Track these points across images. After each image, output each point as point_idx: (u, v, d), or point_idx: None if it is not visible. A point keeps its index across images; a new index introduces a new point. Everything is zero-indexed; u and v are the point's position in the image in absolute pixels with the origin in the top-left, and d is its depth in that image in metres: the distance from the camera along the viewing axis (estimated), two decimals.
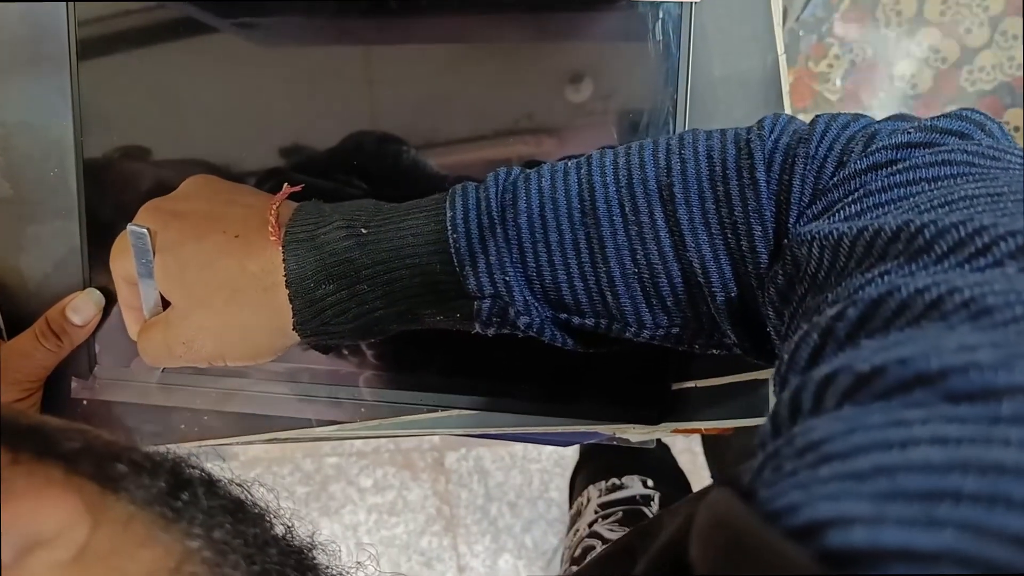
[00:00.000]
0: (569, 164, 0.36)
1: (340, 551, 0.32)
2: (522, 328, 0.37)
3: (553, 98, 0.44)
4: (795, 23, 0.91)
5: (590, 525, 0.76)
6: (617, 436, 0.47)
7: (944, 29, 0.87)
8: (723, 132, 0.34)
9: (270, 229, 0.37)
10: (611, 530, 0.73)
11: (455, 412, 0.47)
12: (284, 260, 0.36)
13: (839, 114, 0.33)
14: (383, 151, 0.46)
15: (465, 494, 1.41)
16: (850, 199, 0.29)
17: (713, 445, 0.98)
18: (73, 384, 0.51)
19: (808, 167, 0.31)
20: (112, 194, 0.49)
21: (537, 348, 0.39)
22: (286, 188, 0.40)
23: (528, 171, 0.37)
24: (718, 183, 0.32)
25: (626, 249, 0.34)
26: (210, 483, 0.28)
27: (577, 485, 0.88)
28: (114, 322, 0.50)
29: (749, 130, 0.33)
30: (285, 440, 0.50)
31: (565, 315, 0.36)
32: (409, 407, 0.48)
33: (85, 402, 0.51)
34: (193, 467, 0.29)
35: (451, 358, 0.47)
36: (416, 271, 0.35)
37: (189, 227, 0.39)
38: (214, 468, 0.29)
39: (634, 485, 0.80)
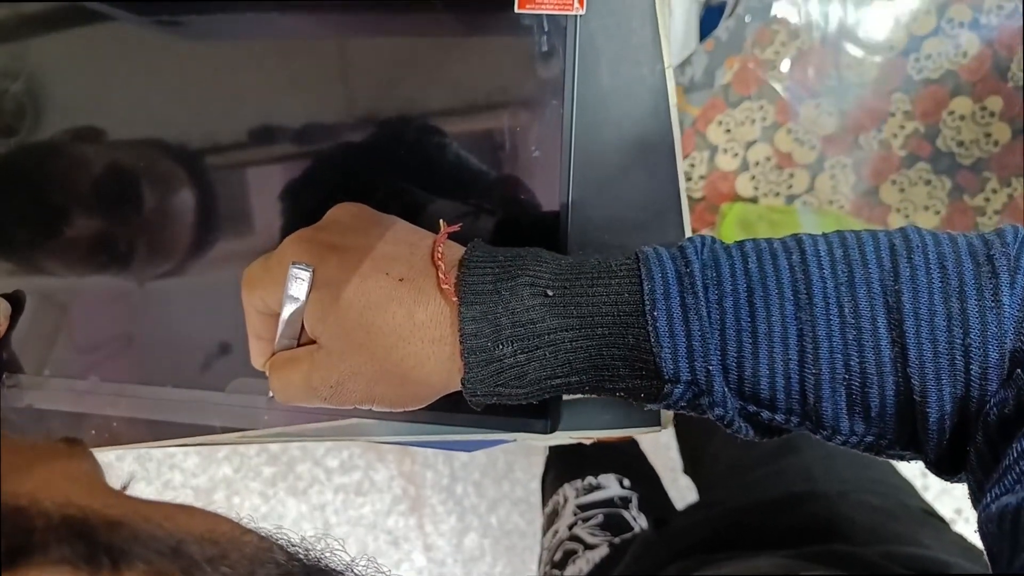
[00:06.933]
0: (774, 245, 0.33)
1: None
2: (712, 418, 0.34)
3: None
4: (741, 9, 0.89)
5: (570, 527, 0.75)
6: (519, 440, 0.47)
7: (891, 16, 0.86)
8: (952, 239, 0.31)
9: (440, 276, 0.35)
10: (592, 534, 0.72)
11: (354, 420, 0.47)
12: (460, 314, 0.33)
13: None
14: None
15: (431, 474, 1.42)
16: None
17: (688, 445, 0.96)
18: None
19: None
20: (13, 194, 0.49)
21: None
22: (445, 227, 0.37)
23: (725, 244, 0.34)
24: (952, 299, 0.30)
25: (840, 353, 0.31)
26: None
27: (550, 483, 0.86)
28: (22, 327, 0.50)
29: (987, 242, 0.31)
30: (193, 444, 0.50)
31: (754, 408, 0.33)
32: (307, 414, 0.48)
33: None
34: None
35: None
36: (605, 342, 0.33)
37: (350, 264, 0.36)
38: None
39: (611, 485, 0.79)
